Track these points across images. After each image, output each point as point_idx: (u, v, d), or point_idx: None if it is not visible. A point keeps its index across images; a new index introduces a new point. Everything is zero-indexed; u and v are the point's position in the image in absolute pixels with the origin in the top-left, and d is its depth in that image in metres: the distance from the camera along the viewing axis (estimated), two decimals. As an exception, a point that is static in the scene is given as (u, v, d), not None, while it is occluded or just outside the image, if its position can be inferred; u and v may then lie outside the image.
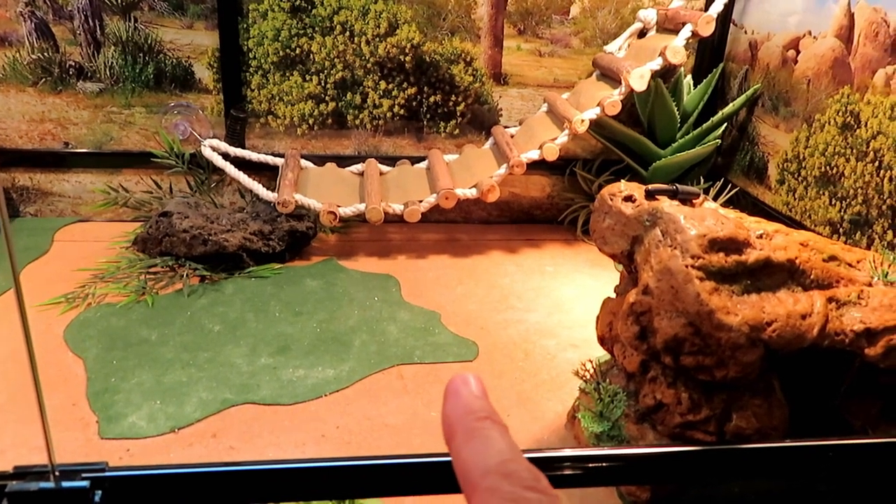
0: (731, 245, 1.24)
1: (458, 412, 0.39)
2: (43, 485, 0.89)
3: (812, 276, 1.30)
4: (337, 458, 1.04)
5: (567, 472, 1.10)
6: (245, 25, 2.62)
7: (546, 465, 1.05)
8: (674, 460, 1.21)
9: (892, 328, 1.27)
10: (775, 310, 1.22)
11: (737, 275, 1.24)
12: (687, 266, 1.21)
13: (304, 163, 2.68)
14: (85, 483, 0.92)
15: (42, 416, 0.83)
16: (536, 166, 2.55)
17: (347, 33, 2.66)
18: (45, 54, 2.57)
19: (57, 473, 0.90)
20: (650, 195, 1.37)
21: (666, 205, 1.32)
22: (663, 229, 1.28)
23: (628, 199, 1.39)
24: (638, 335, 1.31)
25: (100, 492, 0.92)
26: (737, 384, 1.29)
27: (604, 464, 1.15)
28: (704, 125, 2.62)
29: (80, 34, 2.56)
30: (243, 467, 0.98)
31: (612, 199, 1.41)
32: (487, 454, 0.36)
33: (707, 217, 1.27)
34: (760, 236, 1.31)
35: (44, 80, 2.60)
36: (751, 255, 1.24)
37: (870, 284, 1.37)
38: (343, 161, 2.75)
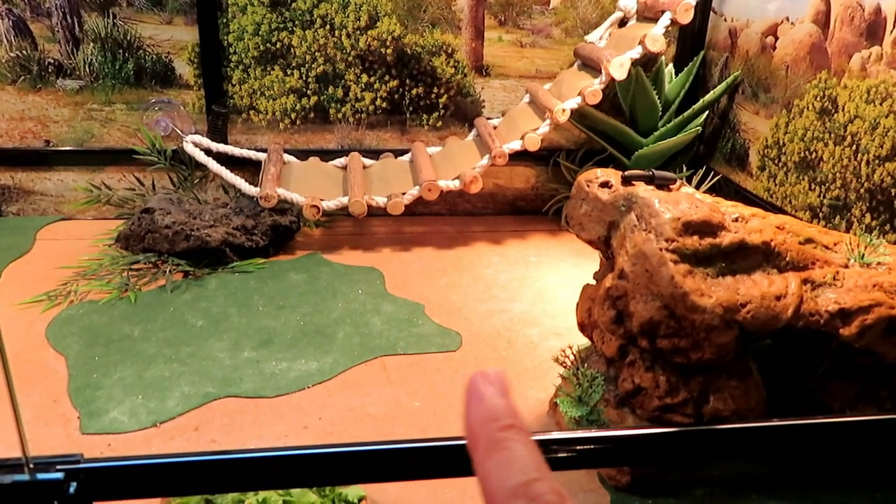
0: (706, 228, 1.24)
1: (480, 418, 0.37)
2: (17, 477, 0.89)
3: (787, 259, 1.31)
4: (316, 445, 1.04)
5: (547, 455, 1.10)
6: (225, 20, 2.61)
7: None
8: (653, 442, 1.22)
9: (867, 308, 1.28)
10: (750, 291, 1.23)
11: (711, 257, 1.25)
12: (661, 249, 1.21)
13: (286, 157, 2.68)
14: (59, 475, 0.91)
15: (14, 409, 0.82)
16: (521, 157, 2.55)
17: (328, 26, 2.65)
18: (24, 52, 2.55)
19: (31, 466, 0.90)
20: (627, 181, 1.38)
21: (641, 190, 1.33)
22: (638, 214, 1.29)
23: (605, 185, 1.40)
24: (615, 319, 1.32)
25: (74, 483, 0.92)
26: (713, 366, 1.29)
27: (584, 446, 1.15)
28: (686, 113, 2.63)
29: (58, 31, 2.55)
30: (217, 457, 0.98)
31: (588, 186, 1.42)
32: (512, 471, 0.34)
33: (682, 201, 1.28)
34: (736, 220, 1.31)
35: (23, 78, 2.58)
36: (725, 238, 1.25)
37: (846, 266, 1.38)
38: (326, 155, 2.75)
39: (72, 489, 0.92)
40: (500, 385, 0.39)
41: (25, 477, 0.89)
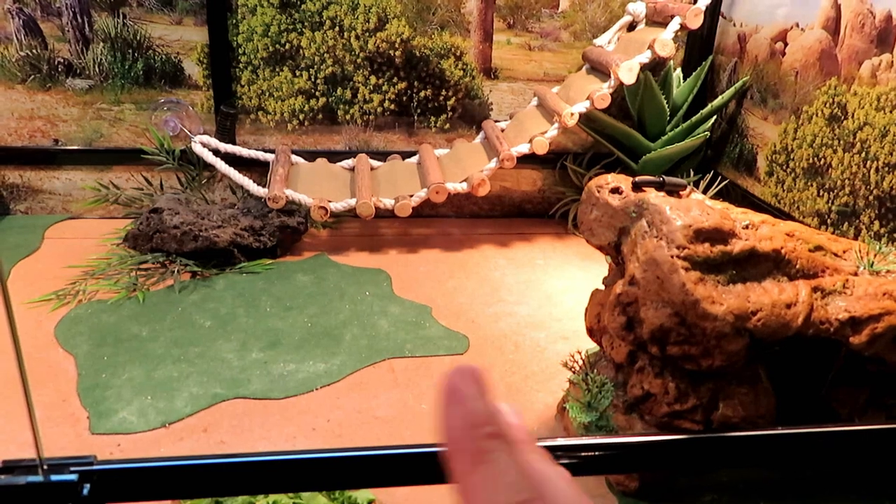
0: (717, 235, 1.25)
1: (461, 424, 0.34)
2: (31, 478, 0.90)
3: (798, 266, 1.31)
4: (326, 449, 1.04)
5: (556, 461, 1.10)
6: (234, 21, 2.61)
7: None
8: (661, 448, 1.22)
9: (877, 317, 1.28)
10: (760, 299, 1.23)
11: (722, 265, 1.25)
12: (672, 256, 1.21)
13: (294, 158, 2.68)
14: (73, 476, 0.92)
15: (29, 411, 0.83)
16: (527, 160, 2.55)
17: (337, 28, 2.66)
18: (34, 51, 2.56)
19: (45, 467, 0.90)
20: (637, 187, 1.38)
21: (652, 196, 1.33)
22: (649, 220, 1.29)
23: (615, 190, 1.40)
24: (625, 326, 1.32)
25: (88, 485, 0.93)
26: (723, 373, 1.30)
27: (592, 453, 1.16)
28: (694, 118, 2.63)
29: (68, 31, 2.56)
30: (229, 459, 0.98)
31: (599, 191, 1.42)
32: (501, 488, 0.32)
33: (693, 208, 1.28)
34: (746, 227, 1.31)
35: (32, 77, 2.59)
36: (736, 246, 1.25)
37: (855, 274, 1.38)
38: (334, 156, 2.75)
39: (85, 491, 0.92)
40: (479, 383, 0.35)
41: (40, 478, 0.89)
